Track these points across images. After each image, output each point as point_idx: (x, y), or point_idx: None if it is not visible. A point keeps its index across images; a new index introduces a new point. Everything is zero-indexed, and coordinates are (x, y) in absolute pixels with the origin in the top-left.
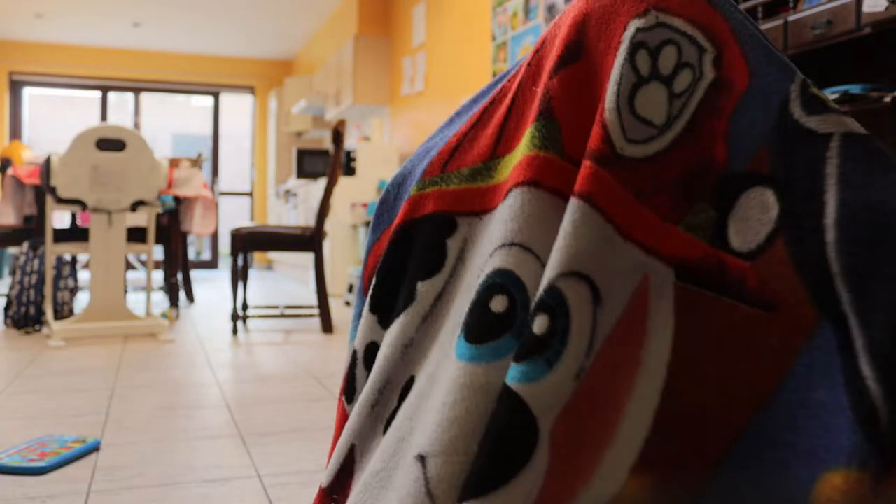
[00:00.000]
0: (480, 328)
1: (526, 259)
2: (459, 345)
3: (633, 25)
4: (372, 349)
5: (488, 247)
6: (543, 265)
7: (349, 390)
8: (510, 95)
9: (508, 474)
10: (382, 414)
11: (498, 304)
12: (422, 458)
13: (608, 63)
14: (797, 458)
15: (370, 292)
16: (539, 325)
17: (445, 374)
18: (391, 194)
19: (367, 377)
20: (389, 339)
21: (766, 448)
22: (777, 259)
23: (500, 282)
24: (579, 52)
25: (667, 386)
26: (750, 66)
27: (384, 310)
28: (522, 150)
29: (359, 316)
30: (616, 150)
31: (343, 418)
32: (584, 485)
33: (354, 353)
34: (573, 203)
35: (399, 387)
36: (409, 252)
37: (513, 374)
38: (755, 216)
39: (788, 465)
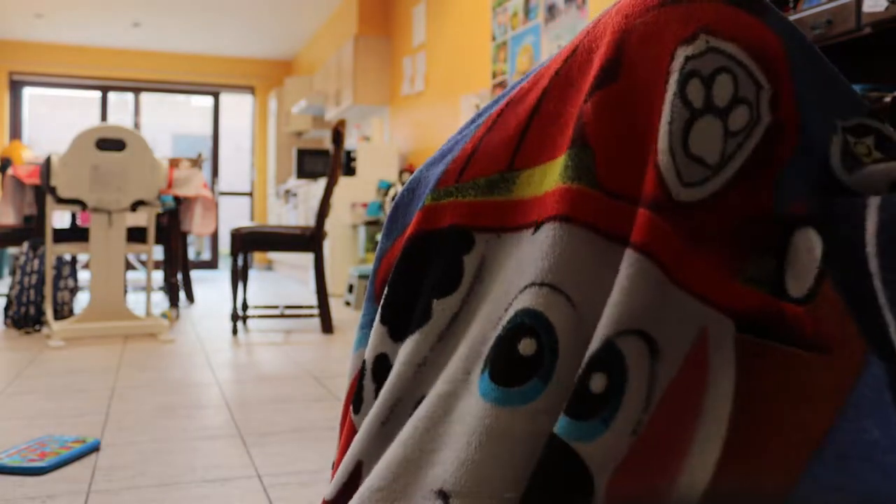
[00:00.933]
0: (508, 370)
1: (557, 301)
2: (484, 383)
3: (682, 53)
4: (381, 360)
5: (514, 277)
6: (574, 306)
7: (357, 401)
8: (532, 102)
9: None
10: (392, 432)
11: (526, 346)
12: (444, 496)
13: (652, 89)
14: (850, 502)
15: (382, 303)
16: (596, 383)
17: (468, 408)
18: (405, 198)
19: (375, 389)
20: (403, 357)
21: (820, 492)
22: (828, 300)
23: (529, 323)
24: (617, 73)
25: (728, 436)
26: (801, 112)
27: (395, 323)
28: (555, 180)
29: (367, 325)
30: (672, 197)
31: (350, 430)
32: None
33: (363, 363)
34: (629, 255)
35: (411, 406)
36: (424, 265)
37: (567, 430)
38: (803, 259)
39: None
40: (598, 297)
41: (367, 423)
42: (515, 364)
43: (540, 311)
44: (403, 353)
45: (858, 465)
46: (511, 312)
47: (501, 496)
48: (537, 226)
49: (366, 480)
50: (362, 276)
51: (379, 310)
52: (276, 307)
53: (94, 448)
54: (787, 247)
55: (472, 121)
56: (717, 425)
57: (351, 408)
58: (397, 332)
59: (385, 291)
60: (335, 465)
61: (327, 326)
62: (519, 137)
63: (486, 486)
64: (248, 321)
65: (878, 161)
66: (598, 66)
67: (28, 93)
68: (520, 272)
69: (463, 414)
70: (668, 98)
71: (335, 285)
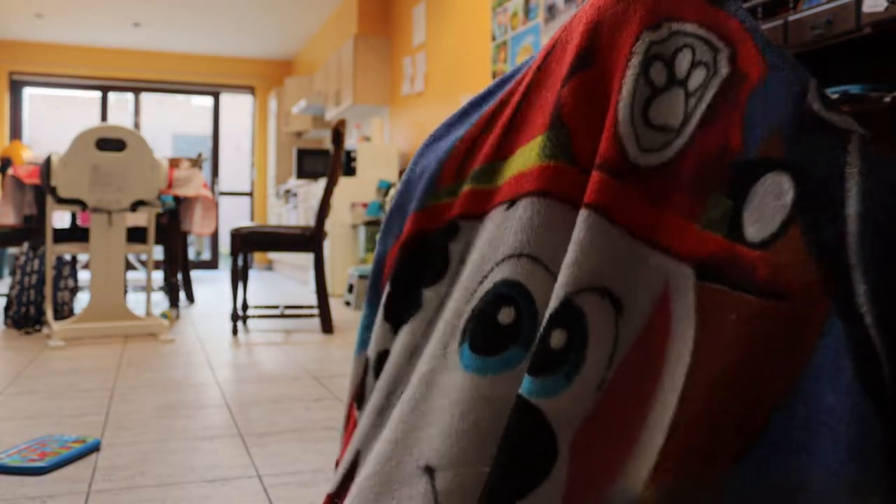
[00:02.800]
0: (488, 340)
1: (534, 270)
2: (465, 355)
3: (647, 38)
4: (384, 357)
5: (487, 251)
6: (552, 275)
7: (359, 398)
8: (516, 98)
9: (528, 487)
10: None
11: (505, 315)
12: (430, 471)
13: (619, 70)
14: (814, 465)
15: (384, 300)
16: (556, 339)
17: (449, 383)
18: (402, 199)
19: (376, 381)
20: (398, 347)
21: (784, 451)
22: (791, 247)
23: (508, 293)
24: (590, 59)
25: (685, 390)
26: (767, 60)
27: (397, 318)
28: (533, 159)
29: (367, 327)
30: (629, 160)
31: (354, 427)
32: (604, 492)
33: (367, 360)
34: (583, 214)
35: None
36: (421, 261)
37: (530, 388)
38: (770, 203)
39: (805, 471)
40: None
41: (366, 413)
42: (495, 333)
43: (518, 280)
44: (398, 343)
45: (819, 429)
46: (488, 284)
47: (480, 462)
48: (512, 202)
49: (361, 468)
50: (362, 276)
51: (381, 308)
52: (276, 307)
53: (94, 448)
54: (750, 188)
55: (464, 113)
56: (677, 378)
57: (355, 404)
58: (396, 330)
59: (387, 289)
60: (338, 463)
61: (327, 326)
62: (503, 132)
63: (469, 455)
64: (248, 321)
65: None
66: (572, 55)
67: (28, 93)
68: (493, 246)
69: (445, 388)
70: (631, 74)
71: (335, 285)
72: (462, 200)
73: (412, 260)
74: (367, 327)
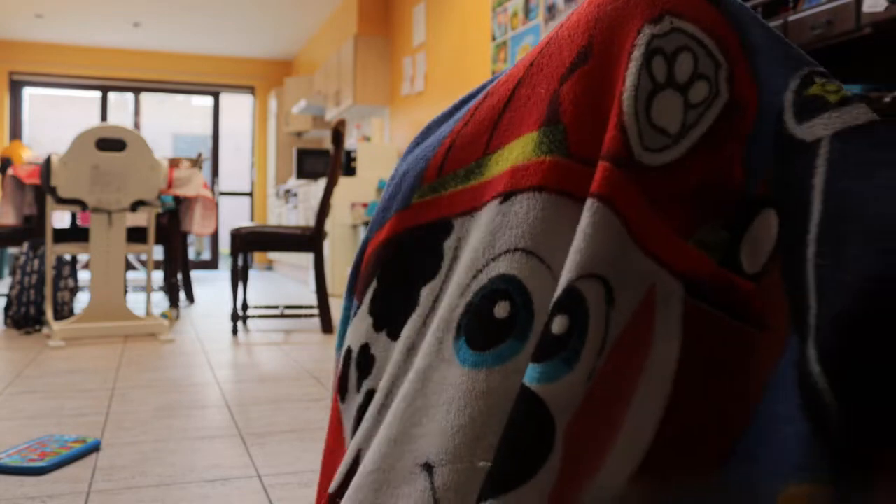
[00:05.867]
0: (484, 335)
1: (529, 263)
2: (462, 351)
3: (648, 31)
4: (364, 350)
5: (480, 245)
6: (548, 268)
7: (342, 390)
8: (506, 92)
9: (527, 473)
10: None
11: (501, 309)
12: (428, 468)
13: (620, 66)
14: (762, 472)
15: (370, 295)
16: (558, 325)
17: (445, 379)
18: (389, 196)
19: (358, 377)
20: (399, 346)
21: (744, 462)
22: (773, 280)
23: (504, 287)
24: (588, 56)
25: (671, 399)
26: (758, 82)
27: (381, 314)
28: (528, 154)
29: (347, 319)
30: (634, 156)
31: (335, 417)
32: (587, 484)
33: (349, 351)
34: (591, 204)
35: None
36: (410, 258)
37: (532, 375)
38: (763, 238)
39: (756, 478)
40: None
41: (368, 413)
42: (490, 327)
43: (514, 274)
44: (400, 343)
45: (772, 438)
46: (483, 279)
47: (477, 456)
48: (506, 195)
49: (360, 466)
50: None
51: (367, 301)
52: (276, 307)
53: (94, 448)
54: (749, 224)
55: (451, 113)
56: (662, 386)
57: (338, 397)
58: (381, 322)
59: (373, 284)
60: (324, 455)
61: (327, 326)
62: (493, 125)
63: (465, 450)
64: (248, 321)
65: (844, 101)
66: (572, 53)
67: (28, 93)
68: (487, 241)
69: (441, 384)
70: (634, 68)
71: (335, 285)
72: (452, 199)
73: (402, 258)
74: (347, 319)
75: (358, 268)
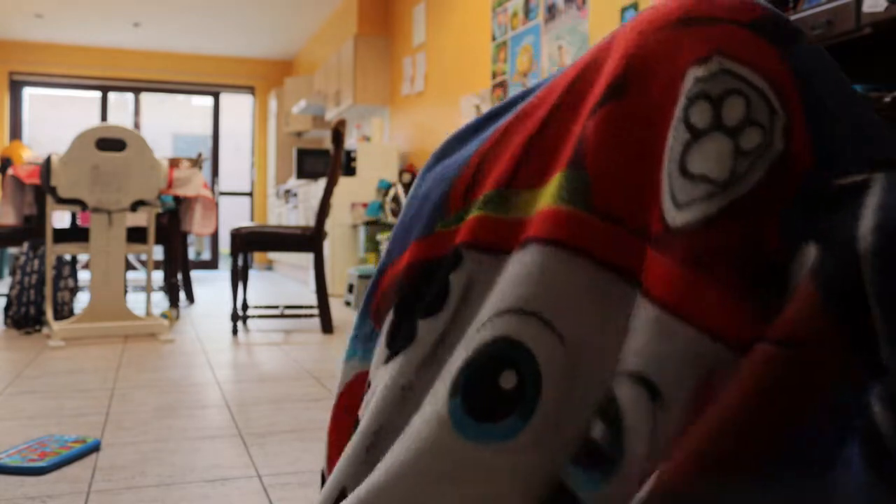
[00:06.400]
0: (487, 405)
1: (541, 332)
2: (462, 421)
3: (692, 75)
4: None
5: (494, 297)
6: (559, 336)
7: (357, 410)
8: (539, 119)
9: None
10: (376, 458)
11: (507, 380)
12: None
13: (661, 111)
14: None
15: (388, 327)
16: (597, 431)
17: (445, 444)
18: (407, 216)
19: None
20: (388, 380)
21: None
22: (806, 294)
23: (511, 355)
24: (623, 91)
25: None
26: (815, 148)
27: (396, 349)
28: (547, 200)
29: (360, 338)
30: (668, 225)
31: (340, 432)
32: None
33: (368, 385)
34: (649, 309)
35: (398, 432)
36: (425, 291)
37: (576, 480)
38: (796, 272)
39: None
40: (588, 328)
41: (350, 449)
42: (494, 398)
43: (522, 341)
44: (388, 376)
45: (822, 472)
46: (487, 336)
47: None
48: (523, 245)
49: None
50: (362, 276)
51: (384, 333)
52: (276, 307)
53: (94, 448)
54: (789, 267)
55: (476, 128)
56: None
57: (348, 416)
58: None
59: (390, 317)
60: (324, 475)
61: (327, 326)
62: (522, 155)
63: None
64: (248, 321)
65: None
66: (604, 83)
67: (28, 93)
68: (499, 293)
69: (441, 450)
70: (674, 123)
71: (335, 285)
72: (468, 227)
73: (415, 289)
74: (356, 338)
75: (373, 291)
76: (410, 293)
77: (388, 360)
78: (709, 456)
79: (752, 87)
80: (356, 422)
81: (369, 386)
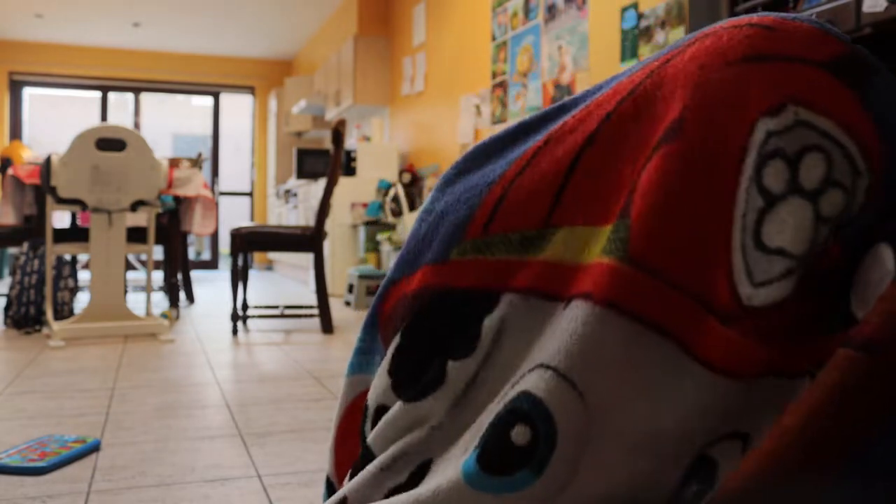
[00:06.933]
0: (498, 458)
1: (561, 389)
2: (469, 464)
3: (763, 127)
4: (380, 412)
5: (536, 353)
6: (582, 396)
7: (361, 437)
8: (574, 147)
9: None
10: (387, 481)
11: (520, 435)
12: None
13: (722, 162)
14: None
15: (392, 352)
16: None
17: (455, 498)
18: (420, 231)
19: (372, 432)
20: (419, 418)
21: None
22: (891, 297)
23: (527, 409)
24: (676, 133)
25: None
26: (889, 199)
27: (401, 378)
28: (597, 251)
29: (360, 350)
30: (742, 303)
31: (343, 444)
32: None
33: (366, 408)
34: (705, 375)
35: (414, 463)
36: (442, 322)
37: None
38: (873, 278)
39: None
40: (617, 391)
41: (369, 468)
42: (507, 453)
43: (540, 397)
44: (418, 414)
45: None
46: (513, 392)
47: None
48: (567, 301)
49: None
50: (362, 276)
51: (388, 358)
52: (276, 307)
53: (94, 448)
54: (854, 272)
55: (503, 143)
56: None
57: (348, 436)
58: (399, 388)
59: (396, 341)
60: (329, 480)
61: (327, 326)
62: (558, 188)
63: None
64: (248, 321)
65: None
66: (662, 124)
67: (28, 93)
68: (540, 348)
69: (450, 499)
70: (743, 183)
71: (335, 285)
72: (501, 268)
73: (430, 319)
74: (360, 351)
75: (379, 305)
76: (420, 319)
77: (412, 398)
78: (783, 457)
79: (833, 143)
80: (364, 445)
81: (366, 407)
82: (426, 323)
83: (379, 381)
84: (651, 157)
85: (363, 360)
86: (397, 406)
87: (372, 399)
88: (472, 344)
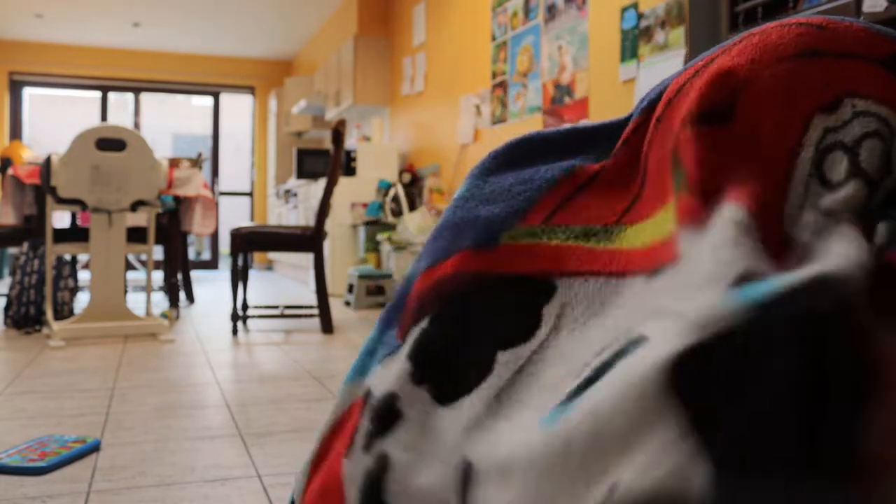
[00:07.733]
0: None
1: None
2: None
3: (821, 124)
4: (389, 401)
5: (586, 330)
6: None
7: (350, 443)
8: (640, 163)
9: None
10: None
11: None
12: None
13: (775, 155)
14: None
15: (418, 335)
16: None
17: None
18: (455, 216)
19: (369, 432)
20: (456, 423)
21: None
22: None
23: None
24: (728, 116)
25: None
26: None
27: (427, 365)
28: (665, 231)
29: (371, 352)
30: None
31: (334, 473)
32: None
33: (368, 392)
34: None
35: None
36: (488, 312)
37: None
38: None
39: None
40: None
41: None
42: None
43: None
44: (456, 419)
45: None
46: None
47: None
48: (652, 273)
49: None
50: (362, 276)
51: (410, 342)
52: (276, 307)
53: (94, 448)
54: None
55: (564, 142)
56: None
57: (345, 451)
58: (425, 375)
59: (424, 324)
60: (305, 487)
61: (327, 326)
62: (630, 201)
63: None
64: (248, 321)
65: None
66: (702, 100)
67: (28, 93)
68: (630, 320)
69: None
70: (799, 176)
71: (335, 285)
72: (560, 254)
73: (474, 307)
74: (370, 352)
75: (402, 299)
76: (458, 305)
77: (446, 400)
78: None
79: (888, 127)
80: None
81: (368, 394)
82: (464, 308)
83: (391, 366)
84: (695, 126)
85: (370, 363)
86: (425, 401)
87: (378, 384)
88: (528, 332)
